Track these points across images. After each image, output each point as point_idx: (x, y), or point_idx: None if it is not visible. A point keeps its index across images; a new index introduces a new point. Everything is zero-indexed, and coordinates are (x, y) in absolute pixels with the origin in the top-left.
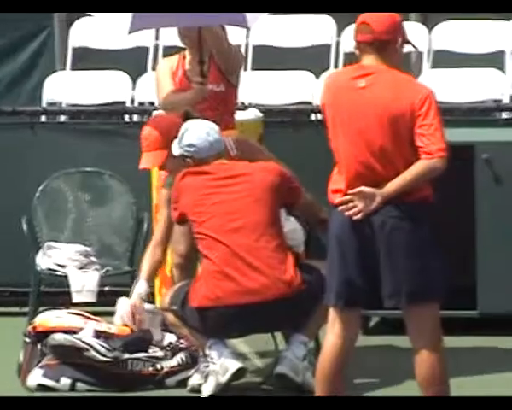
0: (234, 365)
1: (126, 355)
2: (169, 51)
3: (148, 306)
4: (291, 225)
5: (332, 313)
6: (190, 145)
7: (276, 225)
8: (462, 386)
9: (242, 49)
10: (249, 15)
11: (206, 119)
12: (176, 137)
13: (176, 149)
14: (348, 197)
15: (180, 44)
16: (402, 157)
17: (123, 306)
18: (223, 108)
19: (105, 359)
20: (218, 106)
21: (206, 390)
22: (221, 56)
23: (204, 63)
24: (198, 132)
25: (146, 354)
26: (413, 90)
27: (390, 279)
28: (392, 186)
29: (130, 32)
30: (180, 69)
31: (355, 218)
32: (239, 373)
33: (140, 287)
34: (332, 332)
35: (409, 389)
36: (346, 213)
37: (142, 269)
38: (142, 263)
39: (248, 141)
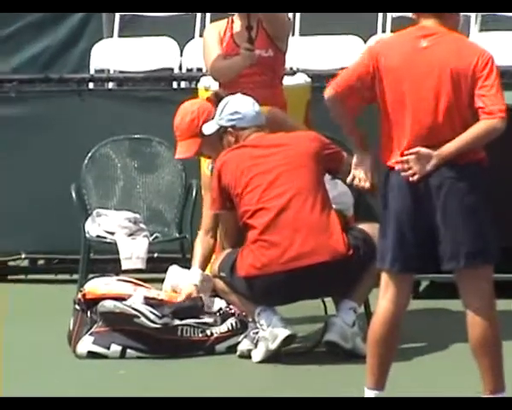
0: (283, 332)
1: (176, 322)
2: (216, 17)
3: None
4: (339, 189)
5: (385, 278)
6: (235, 113)
7: (322, 190)
8: None
9: (290, 15)
10: None
11: (255, 84)
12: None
13: (211, 126)
14: (404, 158)
15: None
16: (461, 119)
17: (174, 274)
18: (271, 73)
19: (155, 325)
20: (267, 71)
21: (256, 356)
22: (269, 22)
23: (252, 29)
24: (242, 101)
25: (196, 320)
26: (475, 52)
27: (449, 242)
28: (450, 148)
29: None
30: (228, 33)
31: (411, 179)
32: (288, 340)
33: (194, 277)
34: (385, 298)
35: (459, 352)
36: (402, 174)
37: (194, 256)
38: (194, 250)
39: (274, 114)
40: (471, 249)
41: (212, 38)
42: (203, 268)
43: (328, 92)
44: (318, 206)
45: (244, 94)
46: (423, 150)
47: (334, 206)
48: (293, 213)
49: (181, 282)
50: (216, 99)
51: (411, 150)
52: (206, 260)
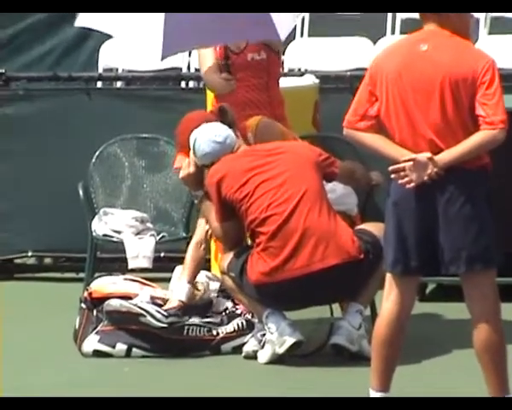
0: (291, 339)
1: (182, 321)
2: None
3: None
4: (342, 190)
5: (389, 280)
6: (204, 155)
7: (325, 195)
8: None
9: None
10: (280, 27)
11: (251, 87)
12: None
13: (194, 163)
14: (401, 166)
15: None
16: (462, 124)
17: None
18: (266, 76)
19: (161, 324)
20: (261, 74)
21: (262, 358)
22: None
23: (229, 58)
24: (206, 140)
25: (202, 320)
26: (476, 57)
27: (449, 246)
28: (449, 156)
29: (163, 58)
30: None
31: (407, 187)
32: (295, 346)
33: (182, 292)
34: (389, 299)
35: (466, 355)
36: (399, 182)
37: (184, 268)
38: (185, 259)
39: (266, 124)
40: (471, 254)
41: None
42: (192, 281)
43: (344, 131)
44: (325, 210)
45: (244, 96)
46: (420, 158)
47: (337, 207)
48: (301, 218)
49: (171, 293)
50: (220, 113)
51: (407, 157)
52: (195, 273)
